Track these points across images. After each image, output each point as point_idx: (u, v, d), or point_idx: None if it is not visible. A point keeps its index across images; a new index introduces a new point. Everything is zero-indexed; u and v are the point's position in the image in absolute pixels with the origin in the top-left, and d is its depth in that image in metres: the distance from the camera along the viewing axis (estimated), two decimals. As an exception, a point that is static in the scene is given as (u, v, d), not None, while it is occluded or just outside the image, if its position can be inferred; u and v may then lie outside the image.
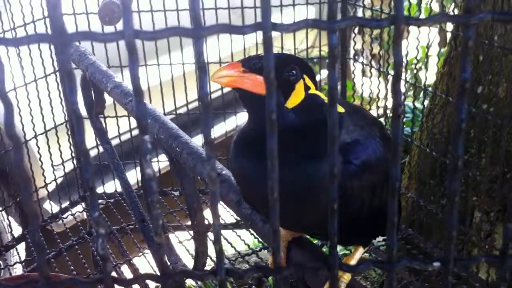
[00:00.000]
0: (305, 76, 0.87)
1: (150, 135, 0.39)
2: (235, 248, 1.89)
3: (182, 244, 1.86)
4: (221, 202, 1.11)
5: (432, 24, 0.37)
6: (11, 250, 2.02)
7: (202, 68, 0.37)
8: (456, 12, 1.97)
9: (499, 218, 1.74)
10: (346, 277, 0.91)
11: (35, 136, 1.92)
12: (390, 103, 2.15)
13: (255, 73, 0.83)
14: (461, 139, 0.39)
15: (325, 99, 0.88)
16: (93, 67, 1.49)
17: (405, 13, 1.83)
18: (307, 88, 0.87)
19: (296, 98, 0.86)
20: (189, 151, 1.07)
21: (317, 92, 0.89)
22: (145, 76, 2.04)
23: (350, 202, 0.85)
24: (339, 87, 2.35)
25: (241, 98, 0.86)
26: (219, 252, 0.43)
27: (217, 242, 0.43)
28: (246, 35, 0.37)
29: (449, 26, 1.94)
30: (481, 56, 1.74)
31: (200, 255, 1.10)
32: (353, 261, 0.95)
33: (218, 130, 2.48)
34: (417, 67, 2.72)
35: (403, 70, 2.74)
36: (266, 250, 1.92)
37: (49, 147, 1.96)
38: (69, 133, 2.05)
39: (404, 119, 2.61)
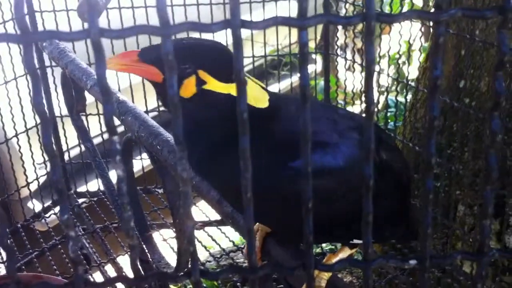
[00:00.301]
0: (200, 71, 0.87)
1: (118, 136, 0.39)
2: (219, 245, 1.88)
3: (167, 242, 1.85)
4: (202, 201, 1.10)
5: (403, 20, 0.37)
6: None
7: (171, 68, 0.36)
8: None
9: (477, 212, 1.75)
10: (327, 274, 0.91)
11: (16, 135, 1.90)
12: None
13: (148, 64, 0.88)
14: (433, 138, 0.38)
15: (233, 92, 0.87)
16: (73, 64, 1.47)
17: (387, 8, 1.82)
18: (200, 83, 0.87)
19: (185, 91, 0.88)
20: (169, 149, 1.06)
21: (217, 88, 0.88)
22: (126, 74, 2.02)
23: (291, 205, 0.82)
24: (322, 82, 2.35)
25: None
26: (193, 253, 0.43)
27: (190, 243, 0.42)
28: (215, 32, 0.37)
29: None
30: (463, 51, 1.75)
31: (182, 253, 1.09)
32: (335, 259, 0.95)
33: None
34: (400, 61, 2.73)
35: (387, 64, 2.75)
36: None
37: (30, 145, 1.94)
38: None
39: (388, 114, 2.62)
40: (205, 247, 1.91)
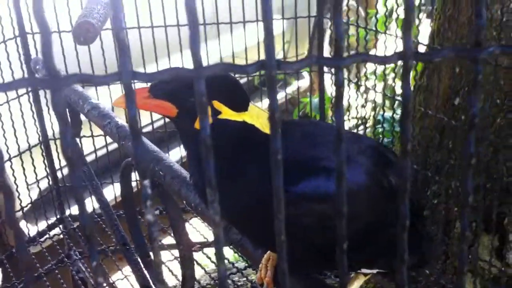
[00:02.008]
0: (214, 102, 0.88)
1: (150, 179, 0.38)
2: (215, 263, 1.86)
3: (165, 265, 1.83)
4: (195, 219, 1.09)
5: (440, 58, 0.36)
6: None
7: (203, 110, 0.36)
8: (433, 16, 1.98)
9: (481, 228, 1.75)
10: None
11: (10, 159, 1.88)
12: (366, 112, 2.15)
13: (161, 99, 0.89)
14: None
15: (249, 121, 0.89)
16: (68, 88, 1.46)
17: (379, 25, 1.83)
18: (215, 113, 0.88)
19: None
20: (173, 175, 1.05)
21: (232, 116, 0.88)
22: (121, 90, 2.01)
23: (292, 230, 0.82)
24: (316, 99, 2.35)
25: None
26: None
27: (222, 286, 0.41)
28: (250, 74, 0.36)
29: (423, 38, 1.95)
30: (457, 68, 1.76)
31: (187, 279, 1.08)
32: None
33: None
34: (393, 77, 2.75)
35: (377, 81, 2.76)
36: (250, 268, 1.90)
37: (24, 169, 1.92)
38: (44, 154, 2.02)
39: (382, 130, 2.62)
40: (200, 265, 1.88)
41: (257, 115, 0.90)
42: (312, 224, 0.82)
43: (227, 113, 0.88)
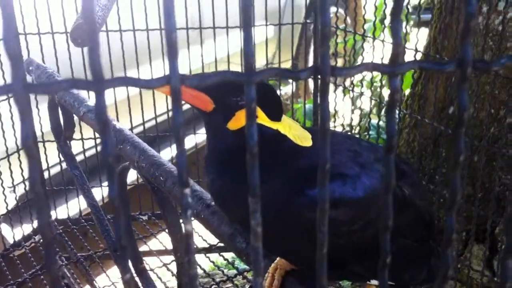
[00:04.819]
0: None
1: (190, 188, 0.36)
2: (209, 275, 1.84)
3: (153, 271, 1.79)
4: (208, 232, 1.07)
5: (501, 68, 0.35)
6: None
7: (252, 116, 0.34)
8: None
9: (472, 237, 1.75)
10: None
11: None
12: (352, 119, 2.14)
13: (199, 90, 0.86)
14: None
15: (282, 131, 0.87)
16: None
17: (376, 32, 1.83)
18: None
19: (235, 123, 0.87)
20: (174, 180, 1.03)
21: (267, 123, 0.87)
22: (111, 90, 1.97)
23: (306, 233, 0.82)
24: (309, 105, 2.34)
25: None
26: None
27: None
28: (303, 79, 0.34)
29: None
30: (453, 78, 1.76)
31: (184, 286, 1.06)
32: None
33: (188, 143, 2.39)
34: (382, 84, 2.75)
35: (365, 87, 2.76)
36: (241, 276, 1.87)
37: (11, 171, 1.87)
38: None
39: (369, 137, 2.62)
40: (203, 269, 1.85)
41: (290, 126, 0.89)
42: (332, 229, 0.81)
43: (263, 119, 0.87)
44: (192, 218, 0.99)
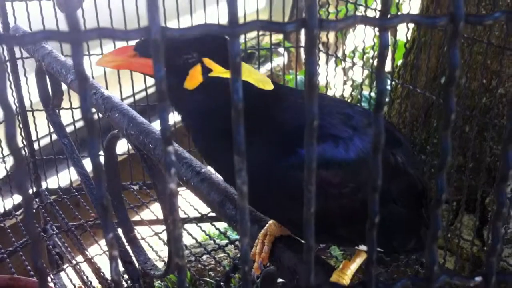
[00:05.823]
0: (205, 59, 0.85)
1: (173, 146, 0.35)
2: (200, 244, 1.84)
3: (145, 240, 1.80)
4: (199, 201, 1.06)
5: (492, 21, 0.34)
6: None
7: (237, 71, 0.33)
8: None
9: (462, 207, 1.76)
10: (346, 278, 0.89)
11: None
12: (344, 89, 2.14)
13: (145, 57, 0.84)
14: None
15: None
16: (50, 57, 1.40)
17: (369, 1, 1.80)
18: (206, 71, 0.84)
19: (192, 82, 0.85)
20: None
21: (224, 74, 0.85)
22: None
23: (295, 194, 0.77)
24: (299, 77, 2.32)
25: None
26: (246, 273, 0.39)
27: (245, 263, 0.38)
28: (289, 31, 0.33)
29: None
30: (445, 47, 1.75)
31: (170, 246, 1.05)
32: (353, 265, 0.91)
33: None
34: (374, 54, 2.73)
35: (357, 57, 2.74)
36: (232, 245, 1.88)
37: None
38: (21, 125, 1.96)
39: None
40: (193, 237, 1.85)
41: (249, 71, 0.86)
42: (322, 190, 0.79)
43: (219, 71, 0.84)
44: (180, 183, 0.99)
